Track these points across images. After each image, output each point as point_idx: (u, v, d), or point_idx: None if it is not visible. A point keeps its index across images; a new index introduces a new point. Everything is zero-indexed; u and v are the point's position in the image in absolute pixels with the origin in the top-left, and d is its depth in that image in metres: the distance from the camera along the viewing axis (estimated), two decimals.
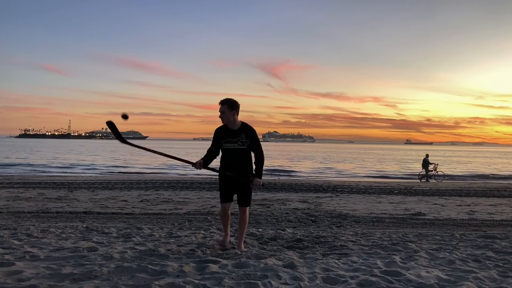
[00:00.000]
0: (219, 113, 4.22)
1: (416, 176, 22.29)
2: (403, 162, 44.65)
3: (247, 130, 4.24)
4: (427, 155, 21.50)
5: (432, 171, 20.96)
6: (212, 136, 4.33)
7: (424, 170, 21.01)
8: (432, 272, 3.53)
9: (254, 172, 4.26)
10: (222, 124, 4.27)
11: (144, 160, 35.15)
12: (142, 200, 9.39)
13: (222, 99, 4.21)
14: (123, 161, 35.54)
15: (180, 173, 23.60)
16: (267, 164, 26.73)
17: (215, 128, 4.33)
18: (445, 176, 21.44)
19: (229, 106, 4.16)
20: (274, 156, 51.04)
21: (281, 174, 24.93)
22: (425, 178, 20.72)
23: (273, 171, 25.80)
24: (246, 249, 4.32)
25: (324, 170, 29.75)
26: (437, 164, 21.46)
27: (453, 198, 11.20)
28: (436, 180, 20.60)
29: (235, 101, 4.19)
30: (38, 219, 6.55)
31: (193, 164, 4.19)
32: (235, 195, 4.38)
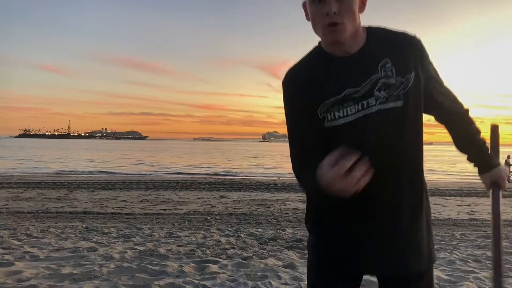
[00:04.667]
0: (332, 19, 1.08)
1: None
2: None
3: (392, 45, 1.16)
4: (508, 156, 21.73)
5: None
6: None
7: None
8: None
9: (472, 159, 1.38)
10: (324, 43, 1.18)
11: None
12: (142, 200, 9.38)
13: None
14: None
15: (180, 173, 23.60)
16: (267, 164, 26.45)
17: (284, 76, 1.22)
18: None
19: None
20: (275, 156, 51.03)
21: (281, 174, 24.92)
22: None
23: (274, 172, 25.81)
24: None
25: None
26: None
27: (453, 198, 11.19)
28: None
29: None
30: (38, 219, 6.54)
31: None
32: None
